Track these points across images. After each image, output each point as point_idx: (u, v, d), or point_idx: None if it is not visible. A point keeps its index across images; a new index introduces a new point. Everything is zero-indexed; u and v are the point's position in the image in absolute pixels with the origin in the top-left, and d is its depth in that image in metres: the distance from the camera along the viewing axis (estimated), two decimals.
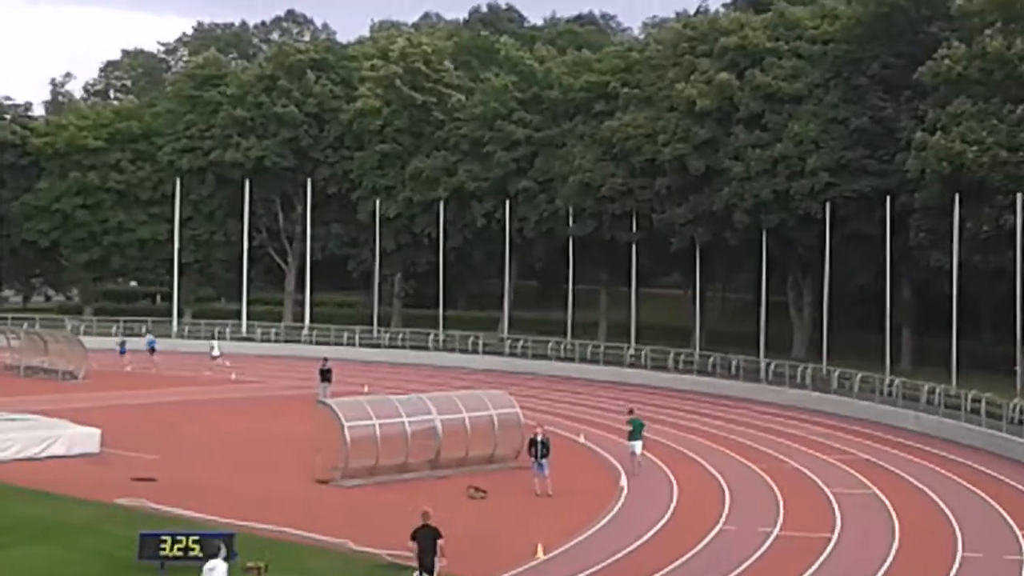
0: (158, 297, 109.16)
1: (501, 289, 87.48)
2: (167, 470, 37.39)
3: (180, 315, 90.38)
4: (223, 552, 22.69)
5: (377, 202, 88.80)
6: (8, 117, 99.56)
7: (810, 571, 27.03)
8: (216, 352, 75.44)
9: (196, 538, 25.81)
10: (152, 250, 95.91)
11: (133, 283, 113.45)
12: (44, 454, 39.25)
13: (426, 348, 79.66)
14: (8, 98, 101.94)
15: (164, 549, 25.58)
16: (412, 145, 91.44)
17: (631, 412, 41.40)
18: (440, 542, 23.91)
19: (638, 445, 39.48)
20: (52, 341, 67.94)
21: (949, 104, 63.94)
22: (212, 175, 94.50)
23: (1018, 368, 56.01)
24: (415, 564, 23.96)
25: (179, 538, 25.76)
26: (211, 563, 22.33)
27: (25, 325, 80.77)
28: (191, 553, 25.48)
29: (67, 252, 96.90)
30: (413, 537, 24.06)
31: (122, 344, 73.23)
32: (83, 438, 40.68)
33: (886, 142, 69.24)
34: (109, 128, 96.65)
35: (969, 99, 63.29)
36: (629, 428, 39.72)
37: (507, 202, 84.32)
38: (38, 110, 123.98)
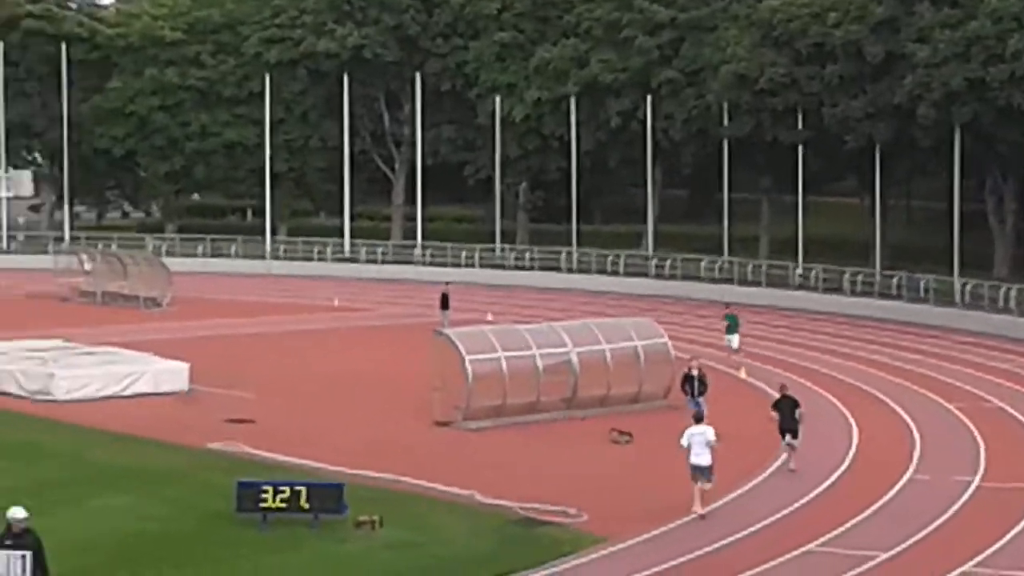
0: (249, 212, 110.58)
1: (644, 200, 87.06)
2: (265, 410, 38.01)
3: (274, 232, 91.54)
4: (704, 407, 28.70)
5: (497, 100, 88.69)
6: (75, 6, 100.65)
7: (1018, 528, 26.66)
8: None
9: (302, 488, 26.08)
10: (240, 158, 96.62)
11: (196, 196, 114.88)
12: (126, 392, 40.15)
13: (558, 269, 79.85)
14: None
15: (266, 500, 25.80)
16: (536, 32, 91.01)
17: (727, 307, 52.31)
18: (800, 411, 31.17)
19: (735, 339, 48.86)
20: (131, 264, 69.25)
21: None
22: (304, 69, 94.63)
23: None
24: (777, 431, 31.27)
25: (282, 488, 25.94)
26: (698, 427, 27.11)
27: (100, 246, 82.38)
28: (297, 505, 25.79)
29: (145, 161, 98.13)
30: (775, 407, 31.46)
31: None
32: (170, 374, 41.49)
33: None
34: (187, 17, 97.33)
35: None
36: (726, 323, 49.59)
37: (649, 97, 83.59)
38: None
